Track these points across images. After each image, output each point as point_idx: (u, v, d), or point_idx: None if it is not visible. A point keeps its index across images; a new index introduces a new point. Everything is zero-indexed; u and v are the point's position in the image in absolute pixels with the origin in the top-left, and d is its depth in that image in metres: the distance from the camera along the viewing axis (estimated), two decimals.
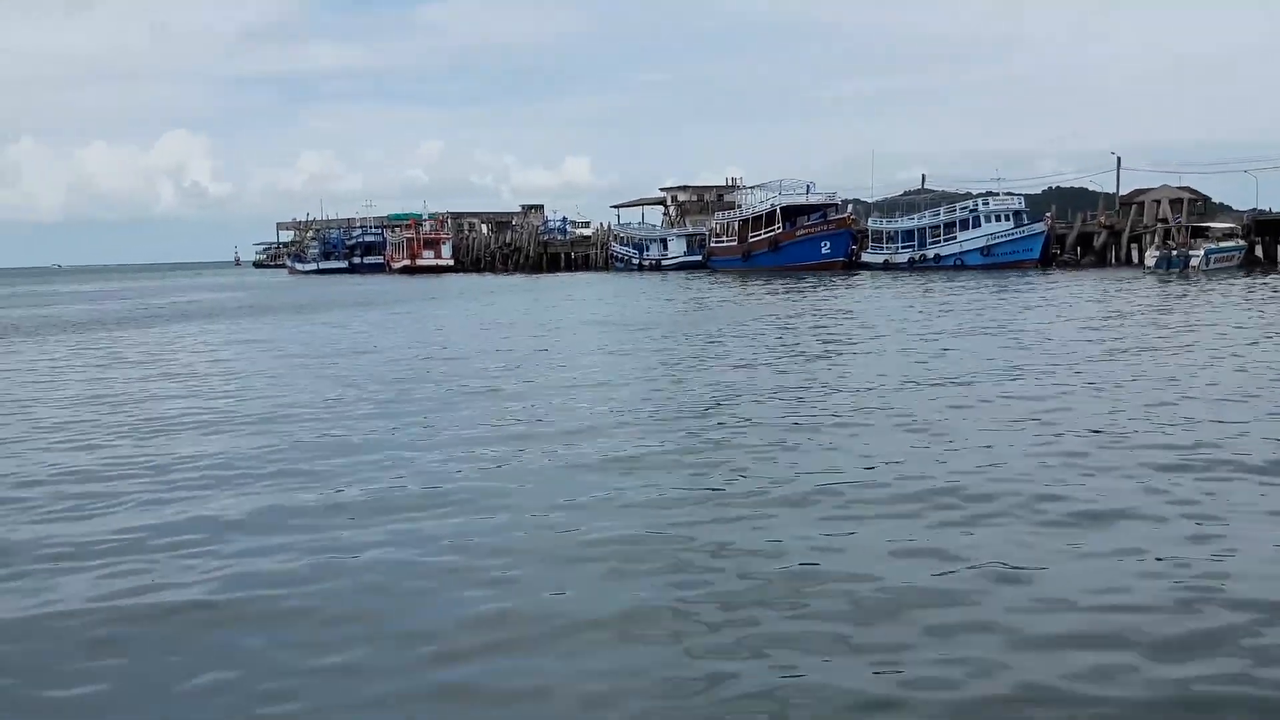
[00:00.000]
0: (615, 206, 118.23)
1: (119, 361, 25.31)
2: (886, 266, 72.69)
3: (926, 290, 44.95)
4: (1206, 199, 74.63)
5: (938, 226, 72.12)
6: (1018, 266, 64.69)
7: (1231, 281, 44.20)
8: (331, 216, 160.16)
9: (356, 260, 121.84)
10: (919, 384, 17.01)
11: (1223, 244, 58.26)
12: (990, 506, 9.39)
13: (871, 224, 79.34)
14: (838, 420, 13.78)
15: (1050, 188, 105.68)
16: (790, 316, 33.08)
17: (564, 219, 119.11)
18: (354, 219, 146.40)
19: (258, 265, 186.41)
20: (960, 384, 16.81)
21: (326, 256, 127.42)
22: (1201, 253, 56.69)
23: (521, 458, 12.08)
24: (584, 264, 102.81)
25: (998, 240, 68.39)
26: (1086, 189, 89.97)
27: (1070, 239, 70.21)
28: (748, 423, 13.86)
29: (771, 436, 12.78)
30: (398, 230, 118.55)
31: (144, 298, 69.71)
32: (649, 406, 15.46)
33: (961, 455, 11.49)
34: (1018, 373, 17.91)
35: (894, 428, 13.20)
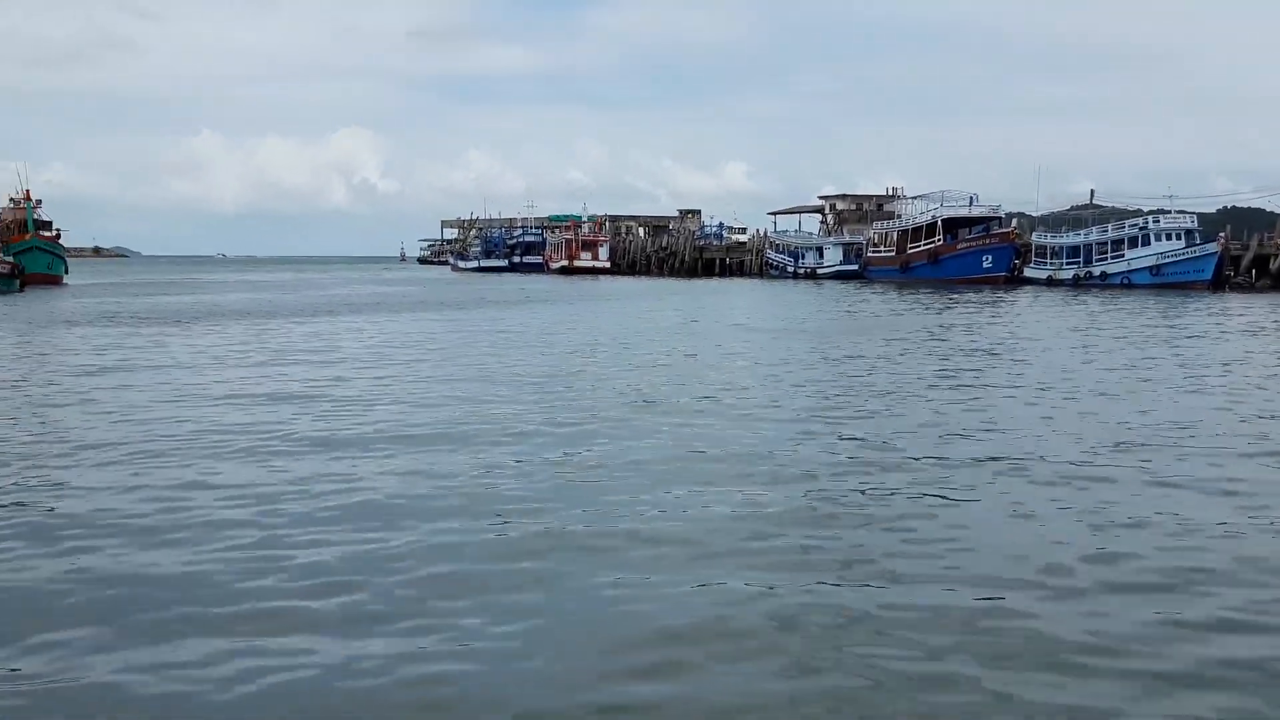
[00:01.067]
0: (772, 213, 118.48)
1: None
2: (1050, 283, 71.26)
3: (1093, 314, 44.02)
4: None
5: (1105, 243, 70.37)
6: (1188, 287, 62.69)
7: None
8: (494, 215, 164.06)
9: (516, 259, 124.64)
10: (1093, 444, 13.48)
11: None
12: None
13: (1036, 239, 77.82)
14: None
15: (1225, 207, 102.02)
16: (952, 335, 32.93)
17: (720, 224, 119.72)
18: (515, 219, 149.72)
19: (422, 261, 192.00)
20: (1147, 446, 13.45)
21: (488, 255, 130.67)
22: None
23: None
24: (738, 270, 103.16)
25: (1168, 260, 66.37)
26: (1264, 209, 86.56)
27: (1245, 261, 67.64)
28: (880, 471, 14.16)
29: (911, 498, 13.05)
30: (557, 231, 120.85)
31: (329, 288, 72.61)
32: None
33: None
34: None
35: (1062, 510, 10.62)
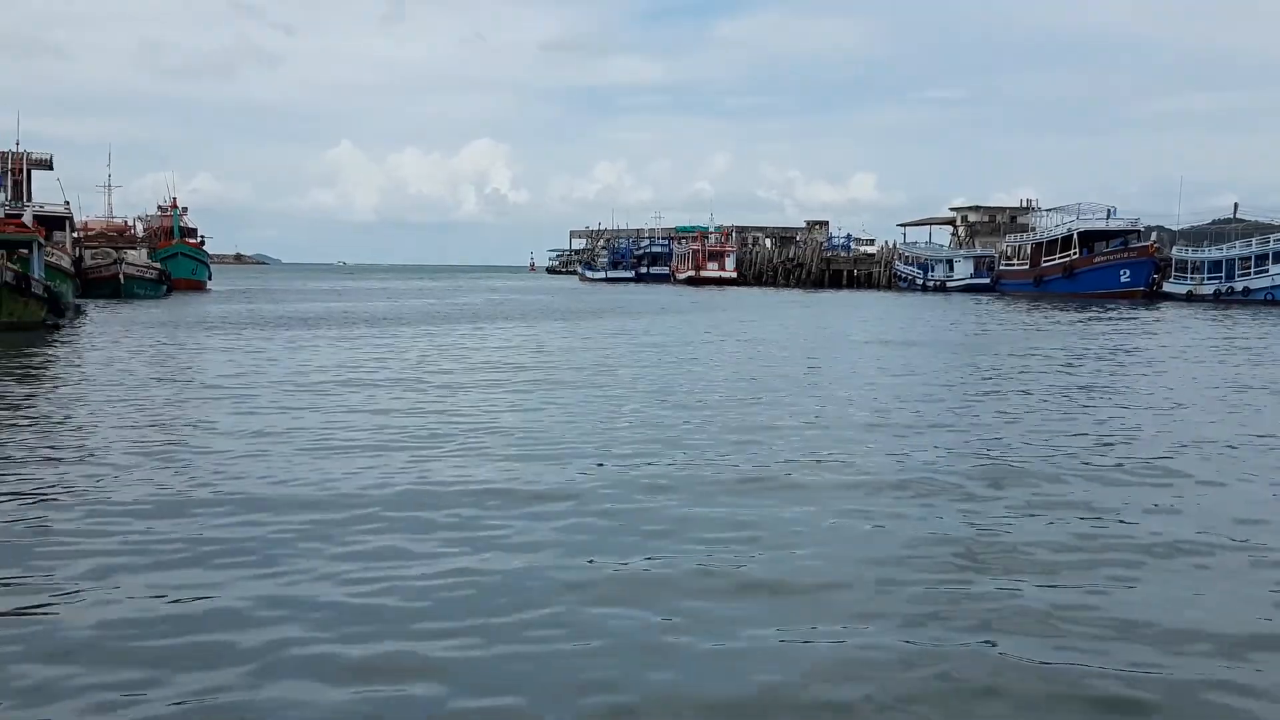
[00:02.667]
0: (901, 224, 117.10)
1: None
2: (1190, 298, 69.16)
3: (1244, 332, 42.71)
4: None
5: (1249, 258, 67.97)
6: None
7: None
8: (621, 226, 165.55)
9: (643, 270, 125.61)
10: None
11: None
12: None
13: (1176, 253, 75.59)
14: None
15: None
16: (1089, 352, 32.36)
17: (848, 235, 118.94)
18: (642, 229, 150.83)
19: (550, 271, 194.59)
20: None
21: (615, 265, 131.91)
22: None
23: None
24: (866, 282, 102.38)
25: None
26: None
27: None
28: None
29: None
30: (684, 242, 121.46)
31: (466, 295, 74.27)
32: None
33: None
34: None
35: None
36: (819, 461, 13.00)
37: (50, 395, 18.37)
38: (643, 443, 14.13)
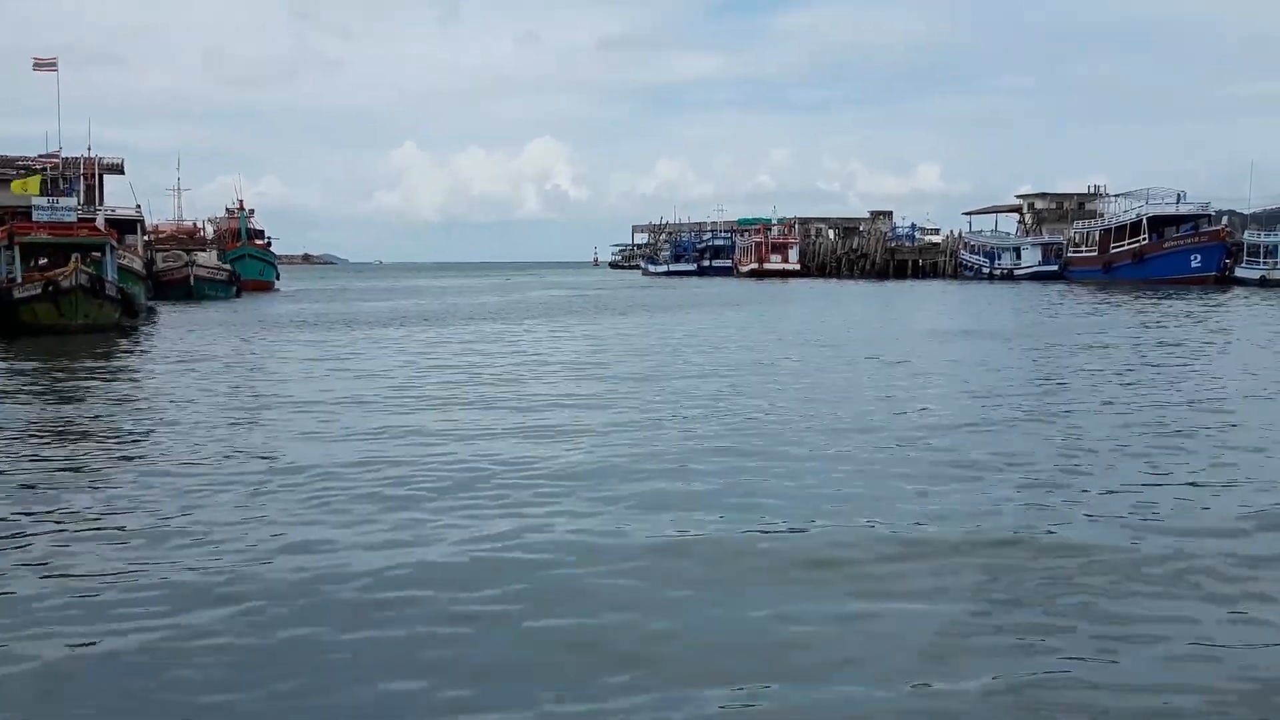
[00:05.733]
0: (966, 213, 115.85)
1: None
2: (1263, 283, 67.70)
3: None
4: None
5: None
6: None
7: None
8: (683, 220, 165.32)
9: (705, 263, 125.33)
10: None
11: None
12: None
13: (1248, 237, 74.04)
14: None
15: None
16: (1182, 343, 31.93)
17: (912, 225, 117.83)
18: (704, 223, 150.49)
19: (613, 266, 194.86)
20: None
21: (677, 259, 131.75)
22: None
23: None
24: (931, 271, 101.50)
25: None
26: None
27: None
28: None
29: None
30: (746, 234, 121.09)
31: (532, 290, 74.72)
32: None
33: None
34: None
35: None
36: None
37: (130, 398, 18.90)
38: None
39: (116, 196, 60.94)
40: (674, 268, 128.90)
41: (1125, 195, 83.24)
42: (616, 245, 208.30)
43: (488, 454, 12.88)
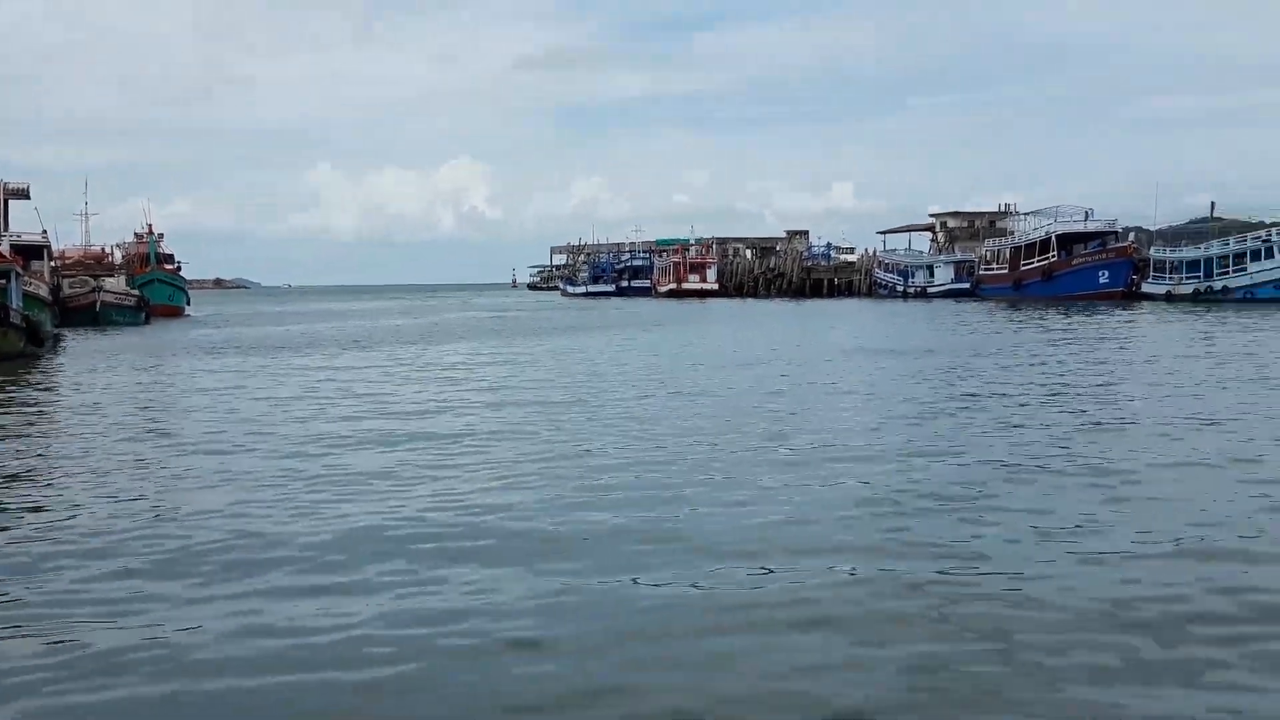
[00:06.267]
0: (881, 232, 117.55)
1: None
2: (1169, 298, 69.33)
3: (1218, 325, 42.81)
4: None
5: (1226, 256, 68.25)
6: None
7: None
8: (602, 241, 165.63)
9: (624, 284, 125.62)
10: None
11: None
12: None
13: (1154, 253, 75.85)
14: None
15: None
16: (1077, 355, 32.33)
17: (828, 244, 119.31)
18: (623, 243, 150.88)
19: (532, 287, 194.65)
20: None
21: (596, 280, 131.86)
22: None
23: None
24: (847, 290, 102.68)
25: None
26: None
27: None
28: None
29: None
30: (664, 255, 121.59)
31: (445, 313, 73.97)
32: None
33: None
34: None
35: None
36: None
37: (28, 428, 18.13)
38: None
39: (22, 222, 59.09)
40: (593, 289, 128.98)
41: (1035, 213, 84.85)
42: (534, 266, 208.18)
43: (394, 498, 12.43)
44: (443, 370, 29.10)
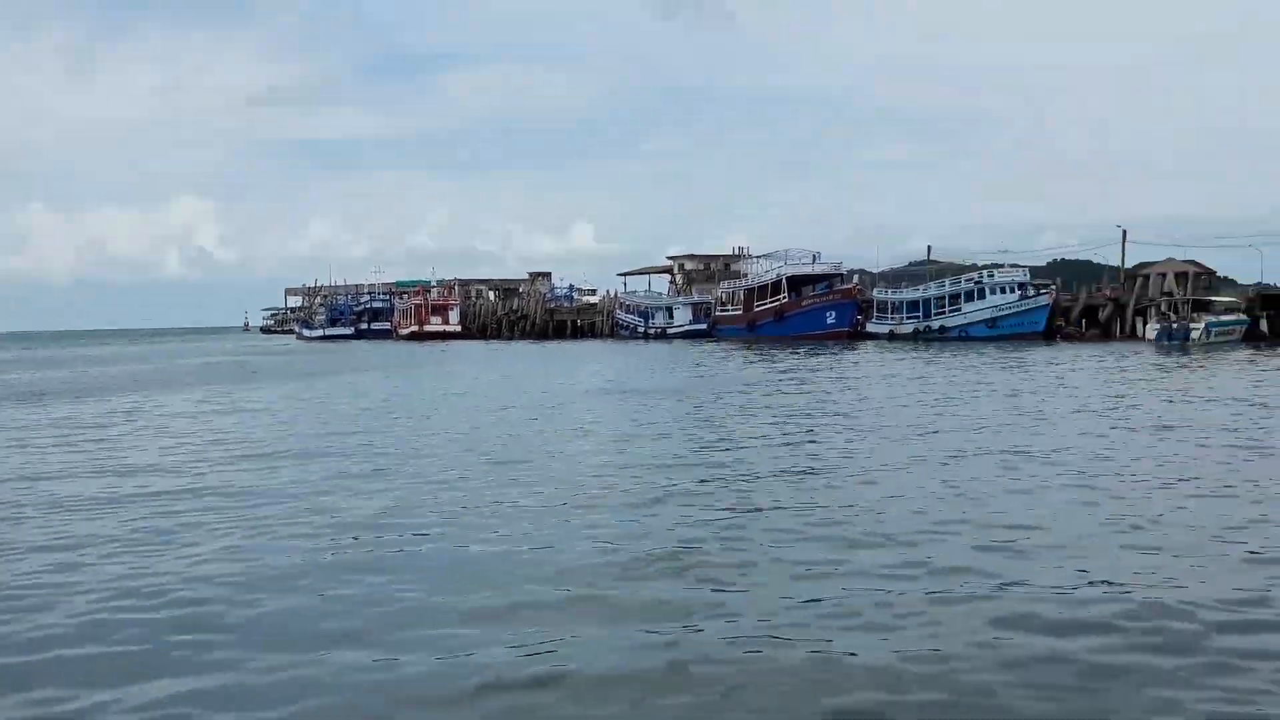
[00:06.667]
0: (621, 274, 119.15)
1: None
2: (892, 337, 72.97)
3: (929, 362, 45.09)
4: (1212, 273, 75.24)
5: (943, 297, 72.49)
6: (1023, 338, 64.92)
7: (1220, 357, 44.33)
8: (339, 282, 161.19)
9: (363, 326, 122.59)
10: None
11: (1224, 318, 58.69)
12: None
13: (877, 294, 79.76)
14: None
15: (1055, 260, 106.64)
16: (793, 387, 33.20)
17: (570, 286, 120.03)
18: (362, 285, 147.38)
19: (265, 331, 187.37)
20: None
21: (333, 323, 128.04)
22: (1202, 326, 57.11)
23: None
24: (589, 331, 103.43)
25: (1003, 312, 68.80)
26: (1091, 261, 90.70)
27: (1075, 311, 70.51)
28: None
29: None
30: (405, 296, 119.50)
31: (158, 361, 69.95)
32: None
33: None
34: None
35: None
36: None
37: None
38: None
39: None
40: (330, 331, 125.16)
41: (766, 256, 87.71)
42: (268, 309, 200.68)
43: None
44: (159, 419, 27.20)
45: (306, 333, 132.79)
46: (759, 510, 12.74)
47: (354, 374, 47.97)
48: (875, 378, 36.59)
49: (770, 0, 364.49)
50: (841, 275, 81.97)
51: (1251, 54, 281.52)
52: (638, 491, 14.21)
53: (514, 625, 8.43)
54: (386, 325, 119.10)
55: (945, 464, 16.09)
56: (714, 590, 9.28)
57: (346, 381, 42.18)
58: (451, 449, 19.21)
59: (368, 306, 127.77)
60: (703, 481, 14.85)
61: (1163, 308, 61.78)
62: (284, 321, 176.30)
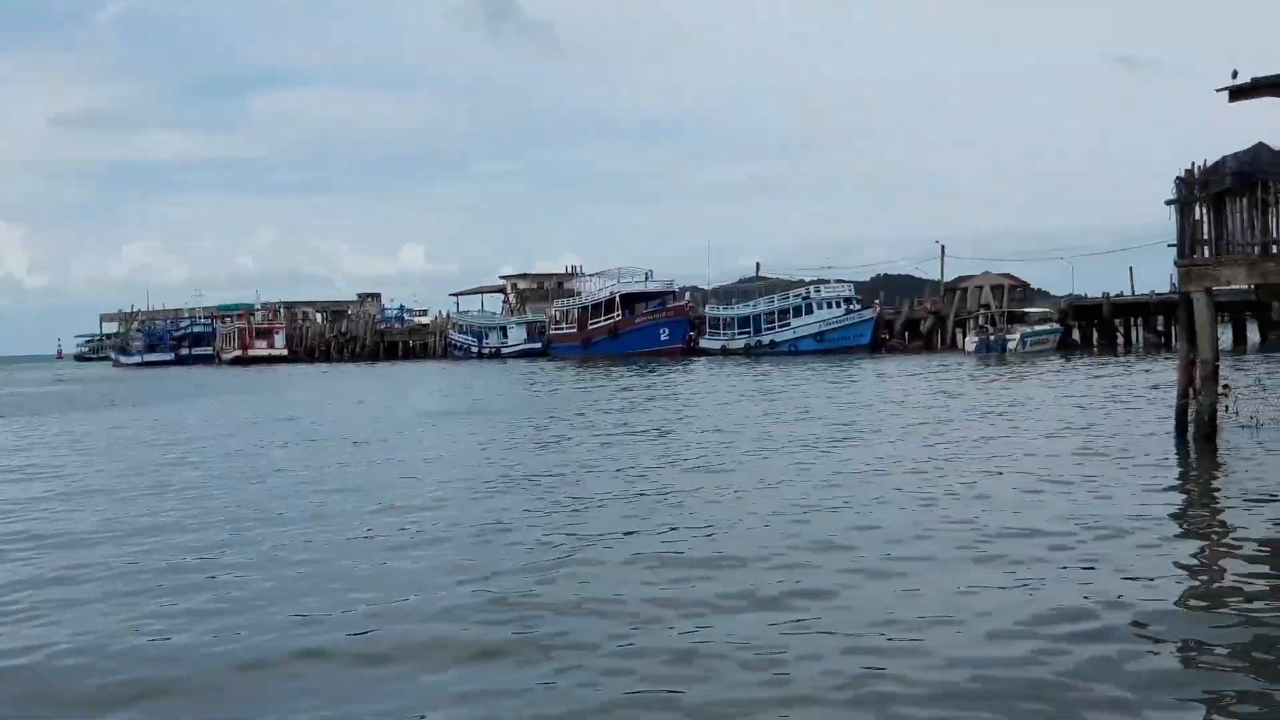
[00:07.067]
0: (454, 294, 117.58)
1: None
2: (724, 352, 73.70)
3: (759, 375, 45.61)
4: (1026, 285, 78.29)
5: (772, 313, 73.65)
6: (850, 351, 66.30)
7: (1031, 365, 46.07)
8: (158, 307, 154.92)
9: (184, 352, 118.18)
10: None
11: (1038, 328, 61.25)
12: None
13: (709, 311, 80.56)
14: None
15: (879, 275, 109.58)
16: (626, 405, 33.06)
17: (401, 307, 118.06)
18: (181, 309, 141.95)
19: (80, 359, 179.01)
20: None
21: (152, 349, 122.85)
22: (1018, 336, 59.50)
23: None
24: (422, 352, 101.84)
25: (830, 326, 70.21)
26: (913, 275, 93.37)
27: (898, 324, 72.49)
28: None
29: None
30: (228, 320, 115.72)
31: None
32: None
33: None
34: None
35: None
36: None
37: None
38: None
39: None
40: (149, 357, 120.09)
41: (599, 274, 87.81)
42: (82, 336, 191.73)
43: None
44: None
45: (124, 359, 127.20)
46: (589, 536, 12.37)
47: (166, 403, 45.91)
48: (703, 393, 36.74)
49: (596, 24, 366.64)
50: (674, 292, 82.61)
51: (1060, 80, 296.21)
52: (464, 521, 13.69)
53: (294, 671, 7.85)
54: (209, 350, 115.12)
55: (781, 483, 16.02)
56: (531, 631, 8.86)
57: (151, 415, 40.27)
58: (244, 482, 18.32)
59: (188, 331, 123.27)
60: (526, 511, 14.35)
61: (980, 320, 63.99)
62: (99, 348, 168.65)
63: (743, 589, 9.63)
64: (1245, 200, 16.97)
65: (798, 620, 8.64)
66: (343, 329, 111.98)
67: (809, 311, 71.81)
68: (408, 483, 17.19)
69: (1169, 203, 18.04)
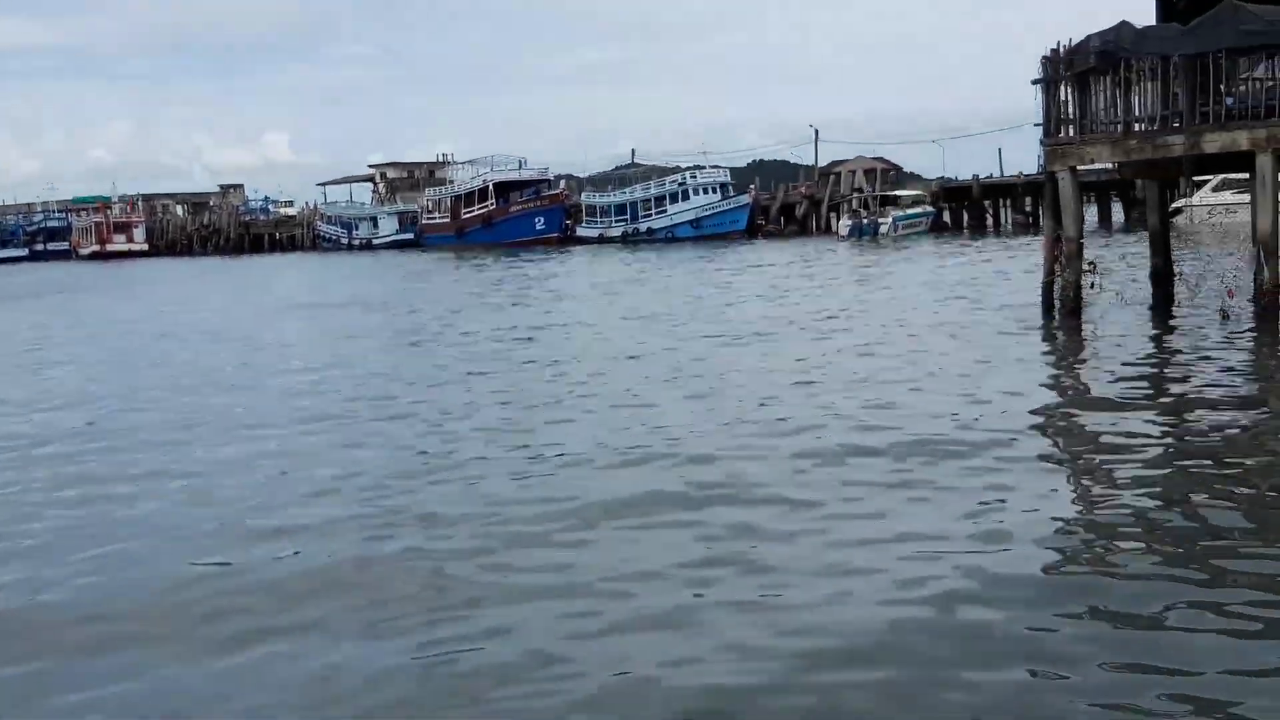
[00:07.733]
0: (321, 184, 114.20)
1: None
2: (601, 240, 73.15)
3: (631, 263, 45.53)
4: (899, 168, 78.98)
5: (649, 200, 73.21)
6: (726, 238, 66.39)
7: (905, 246, 46.88)
8: (8, 202, 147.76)
9: (38, 247, 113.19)
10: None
11: (910, 211, 62.06)
12: None
13: (585, 199, 79.72)
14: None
15: (754, 160, 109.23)
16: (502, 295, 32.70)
17: (265, 198, 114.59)
18: (34, 204, 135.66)
19: None
20: None
21: (4, 244, 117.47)
22: (890, 220, 60.21)
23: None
24: (290, 244, 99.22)
25: (706, 213, 70.09)
26: (788, 161, 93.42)
27: (774, 209, 72.76)
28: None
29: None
30: (84, 214, 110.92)
31: None
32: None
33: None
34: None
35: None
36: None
37: None
38: None
39: None
40: (1, 254, 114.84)
41: (472, 163, 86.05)
42: None
43: None
44: None
45: None
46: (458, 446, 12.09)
47: (40, 300, 44.01)
48: (581, 280, 36.54)
49: None
50: (549, 180, 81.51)
51: None
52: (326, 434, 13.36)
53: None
54: (65, 245, 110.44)
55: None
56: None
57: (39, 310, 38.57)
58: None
59: (42, 226, 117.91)
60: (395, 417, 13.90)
61: (854, 204, 64.55)
62: None
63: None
64: (1109, 79, 17.14)
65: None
66: (205, 222, 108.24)
67: (685, 198, 71.52)
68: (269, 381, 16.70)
69: (1035, 82, 18.14)
